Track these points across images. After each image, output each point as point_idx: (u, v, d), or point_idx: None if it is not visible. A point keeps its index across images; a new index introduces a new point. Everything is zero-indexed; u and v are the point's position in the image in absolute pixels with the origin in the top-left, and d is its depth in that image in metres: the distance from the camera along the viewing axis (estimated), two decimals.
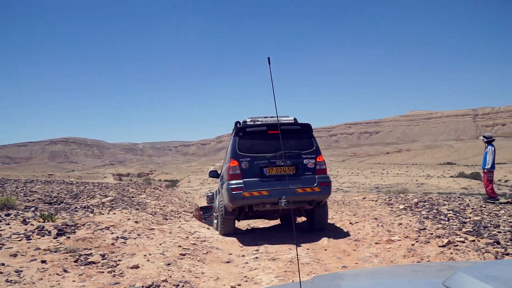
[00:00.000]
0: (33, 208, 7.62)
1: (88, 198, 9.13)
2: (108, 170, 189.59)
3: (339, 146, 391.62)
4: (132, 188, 11.35)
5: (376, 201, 9.13)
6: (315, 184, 7.32)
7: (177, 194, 12.57)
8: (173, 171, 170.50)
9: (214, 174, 9.30)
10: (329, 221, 8.40)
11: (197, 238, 6.47)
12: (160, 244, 5.67)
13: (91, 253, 4.95)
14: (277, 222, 9.96)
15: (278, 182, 7.23)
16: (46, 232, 5.88)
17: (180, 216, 8.20)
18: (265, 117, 7.93)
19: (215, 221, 8.33)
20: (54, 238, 5.62)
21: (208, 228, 7.72)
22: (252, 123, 7.70)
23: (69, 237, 5.59)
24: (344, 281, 1.97)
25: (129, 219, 7.01)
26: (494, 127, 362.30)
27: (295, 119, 7.99)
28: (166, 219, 7.71)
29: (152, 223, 7.14)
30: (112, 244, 5.40)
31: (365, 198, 9.81)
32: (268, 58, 1.96)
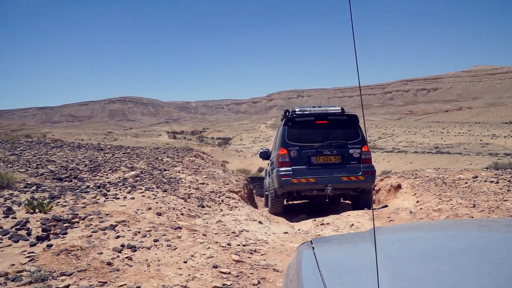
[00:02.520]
0: (34, 187, 5.83)
1: (110, 171, 7.25)
2: (163, 128, 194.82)
3: (394, 104, 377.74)
4: (167, 157, 9.35)
5: (497, 182, 6.54)
6: (360, 173, 7.66)
7: (218, 166, 10.46)
8: (225, 129, 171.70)
9: (264, 155, 9.70)
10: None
11: (244, 245, 4.32)
12: (186, 262, 3.59)
13: (68, 286, 2.97)
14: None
15: (324, 170, 7.66)
16: (25, 232, 4.03)
17: (222, 200, 6.11)
18: (313, 107, 8.36)
19: (266, 199, 9.10)
20: (31, 245, 3.75)
21: (259, 222, 5.52)
22: (301, 112, 8.07)
23: (50, 246, 3.69)
24: (406, 232, 1.86)
25: (149, 209, 5.00)
26: None
27: (342, 109, 8.30)
28: (203, 206, 5.62)
29: (182, 214, 5.09)
30: (109, 263, 3.39)
31: (476, 177, 7.15)
32: None
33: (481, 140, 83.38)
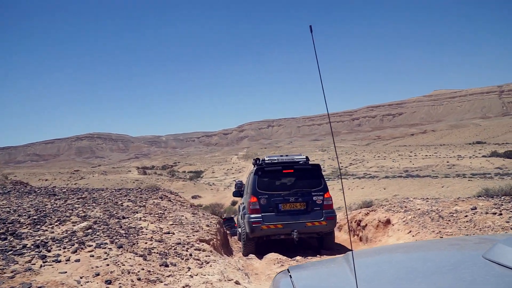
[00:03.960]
0: None
1: (58, 222, 6.13)
2: (134, 163, 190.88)
3: (362, 130, 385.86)
4: (129, 200, 8.23)
5: (500, 214, 5.81)
6: (322, 218, 8.41)
7: (187, 207, 9.46)
8: (196, 162, 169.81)
9: (237, 194, 10.91)
10: None
11: None
12: None
13: None
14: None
15: (290, 216, 8.38)
16: None
17: (190, 255, 5.08)
18: (281, 156, 9.18)
19: (239, 235, 9.92)
20: None
21: (236, 283, 4.50)
22: (270, 161, 8.89)
23: None
24: (380, 255, 1.90)
25: (97, 275, 3.98)
26: None
27: (307, 158, 9.10)
28: (166, 264, 4.60)
29: (139, 279, 4.07)
30: None
31: (475, 208, 6.41)
32: (310, 26, 1.66)
33: (447, 162, 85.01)
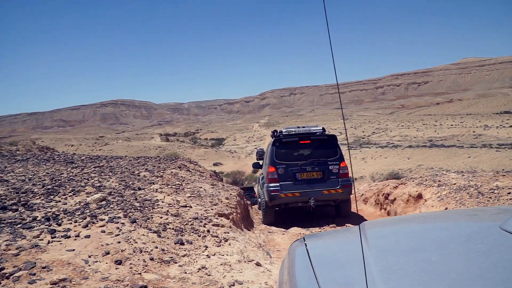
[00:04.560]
0: None
1: (71, 193, 5.88)
2: (156, 130, 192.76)
3: (386, 99, 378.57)
4: (146, 170, 7.92)
5: None
6: (338, 187, 8.71)
7: (206, 178, 9.14)
8: (218, 129, 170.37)
9: (257, 165, 11.20)
10: None
11: None
12: None
13: None
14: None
15: (308, 185, 8.71)
16: None
17: (208, 231, 4.71)
18: (298, 127, 9.58)
19: (259, 205, 10.38)
20: None
21: (257, 264, 4.13)
22: (287, 133, 9.20)
23: None
24: (395, 225, 1.92)
25: (107, 253, 3.68)
26: None
27: (323, 129, 9.47)
28: (182, 242, 4.26)
29: (151, 259, 3.75)
30: None
31: None
32: None
33: (473, 132, 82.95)
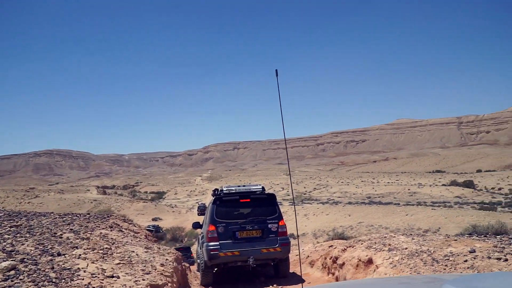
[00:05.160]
0: None
1: None
2: (94, 182, 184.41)
3: (326, 155, 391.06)
4: (70, 230, 6.98)
5: (506, 259, 5.00)
6: (277, 245, 8.78)
7: (140, 239, 8.33)
8: (159, 182, 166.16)
9: (197, 225, 11.27)
10: None
11: None
12: None
13: None
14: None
15: (247, 243, 8.70)
16: None
17: None
18: (238, 186, 9.62)
19: (199, 266, 10.35)
20: None
21: None
22: (228, 191, 9.24)
23: None
24: None
25: None
26: (479, 135, 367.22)
27: (263, 188, 9.61)
28: None
29: None
30: None
31: (474, 251, 5.56)
32: (276, 70, 1.67)
33: (409, 189, 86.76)
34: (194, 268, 12.44)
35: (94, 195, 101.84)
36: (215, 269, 9.45)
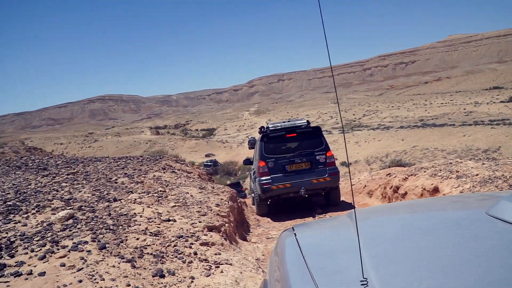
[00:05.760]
0: None
1: (35, 209, 5.00)
2: (146, 124, 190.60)
3: (374, 80, 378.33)
4: (125, 175, 7.01)
5: None
6: (326, 175, 9.20)
7: (194, 179, 8.29)
8: (208, 119, 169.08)
9: (247, 162, 11.73)
10: None
11: None
12: None
13: None
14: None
15: (297, 175, 9.17)
16: None
17: (195, 253, 3.87)
18: (283, 122, 10.03)
19: (253, 200, 10.75)
20: None
21: None
22: (274, 128, 9.67)
23: None
24: (384, 214, 1.93)
25: None
26: None
27: (307, 122, 9.95)
28: (162, 274, 3.38)
29: None
30: None
31: None
32: None
33: (464, 109, 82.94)
34: (248, 201, 12.56)
35: (148, 136, 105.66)
36: (269, 201, 9.95)
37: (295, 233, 1.59)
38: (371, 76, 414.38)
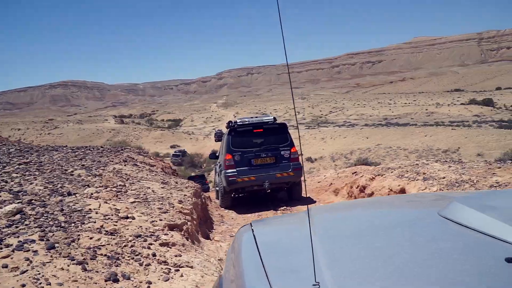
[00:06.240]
0: None
1: None
2: (111, 112, 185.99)
3: (342, 77, 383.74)
4: (82, 167, 6.61)
5: None
6: (290, 170, 9.56)
7: (156, 173, 7.98)
8: (175, 110, 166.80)
9: (213, 156, 12.06)
10: None
11: None
12: None
13: None
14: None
15: (262, 169, 9.53)
16: None
17: (154, 255, 3.56)
18: (251, 118, 10.31)
19: (217, 194, 11.07)
20: None
21: None
22: (242, 123, 9.90)
23: None
24: (340, 211, 1.99)
25: None
26: (499, 51, 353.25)
27: (274, 118, 10.22)
28: (116, 279, 3.07)
29: None
30: None
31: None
32: None
33: (426, 110, 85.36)
34: (212, 195, 12.36)
35: (112, 124, 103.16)
36: (233, 194, 10.28)
37: (252, 229, 1.58)
38: (339, 73, 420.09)
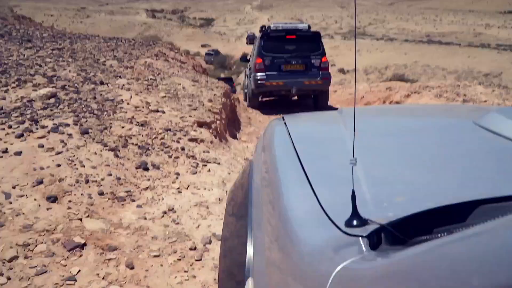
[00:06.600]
0: None
1: (16, 83, 4.65)
2: (142, 5, 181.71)
3: None
4: (114, 57, 6.55)
5: None
6: (319, 78, 9.54)
7: (187, 70, 7.89)
8: (208, 8, 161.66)
9: (244, 59, 12.18)
10: None
11: None
12: None
13: None
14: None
15: (291, 75, 9.55)
16: None
17: (183, 149, 3.60)
18: (285, 23, 10.46)
19: (245, 96, 11.26)
20: None
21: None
22: (275, 28, 9.85)
23: None
24: (373, 113, 1.98)
25: (39, 183, 2.69)
26: None
27: (309, 26, 10.22)
28: (146, 167, 3.20)
29: (101, 194, 2.76)
30: None
31: None
32: None
33: (474, 30, 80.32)
34: (241, 97, 12.45)
35: (144, 18, 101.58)
36: (261, 97, 10.46)
37: (285, 122, 1.60)
38: None
